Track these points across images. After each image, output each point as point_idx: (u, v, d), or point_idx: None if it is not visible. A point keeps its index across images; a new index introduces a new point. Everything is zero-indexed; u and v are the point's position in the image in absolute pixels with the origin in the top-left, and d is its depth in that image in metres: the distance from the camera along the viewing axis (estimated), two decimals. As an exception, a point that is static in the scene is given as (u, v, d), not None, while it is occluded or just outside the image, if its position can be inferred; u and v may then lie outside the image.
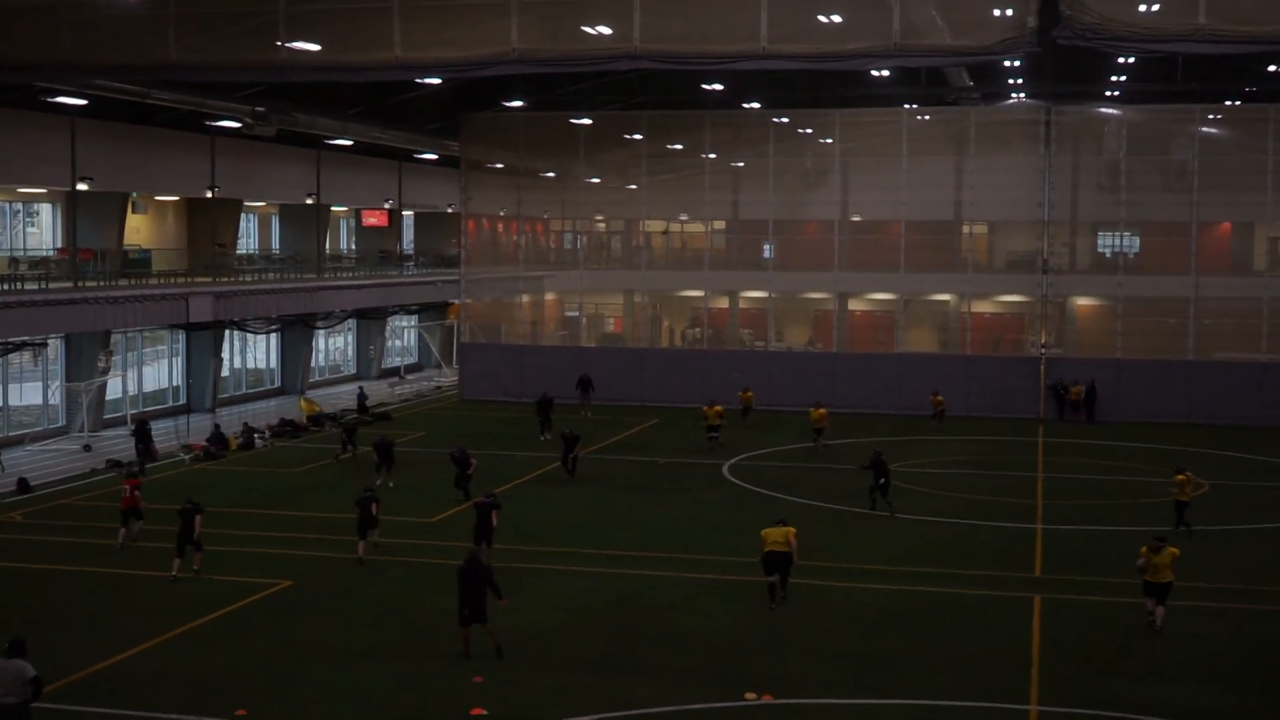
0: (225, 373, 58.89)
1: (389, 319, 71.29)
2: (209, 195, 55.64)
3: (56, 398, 49.66)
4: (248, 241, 65.03)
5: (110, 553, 30.53)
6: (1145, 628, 24.86)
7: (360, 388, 57.76)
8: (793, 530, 26.51)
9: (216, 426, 46.69)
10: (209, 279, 53.78)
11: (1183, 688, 21.75)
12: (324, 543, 31.60)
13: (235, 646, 23.51)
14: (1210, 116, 58.28)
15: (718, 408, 46.21)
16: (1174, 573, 24.79)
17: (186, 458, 43.83)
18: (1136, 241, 61.55)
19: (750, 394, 52.30)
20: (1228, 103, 59.84)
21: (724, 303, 67.13)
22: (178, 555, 28.46)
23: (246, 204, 61.26)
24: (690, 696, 21.06)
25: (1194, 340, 55.45)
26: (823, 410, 46.15)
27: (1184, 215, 56.28)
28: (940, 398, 53.07)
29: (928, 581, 28.46)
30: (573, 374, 57.16)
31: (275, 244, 66.61)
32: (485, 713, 20.15)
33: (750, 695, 21.01)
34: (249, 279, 57.33)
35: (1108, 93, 61.10)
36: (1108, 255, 62.04)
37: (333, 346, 71.57)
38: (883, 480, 35.14)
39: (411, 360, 76.74)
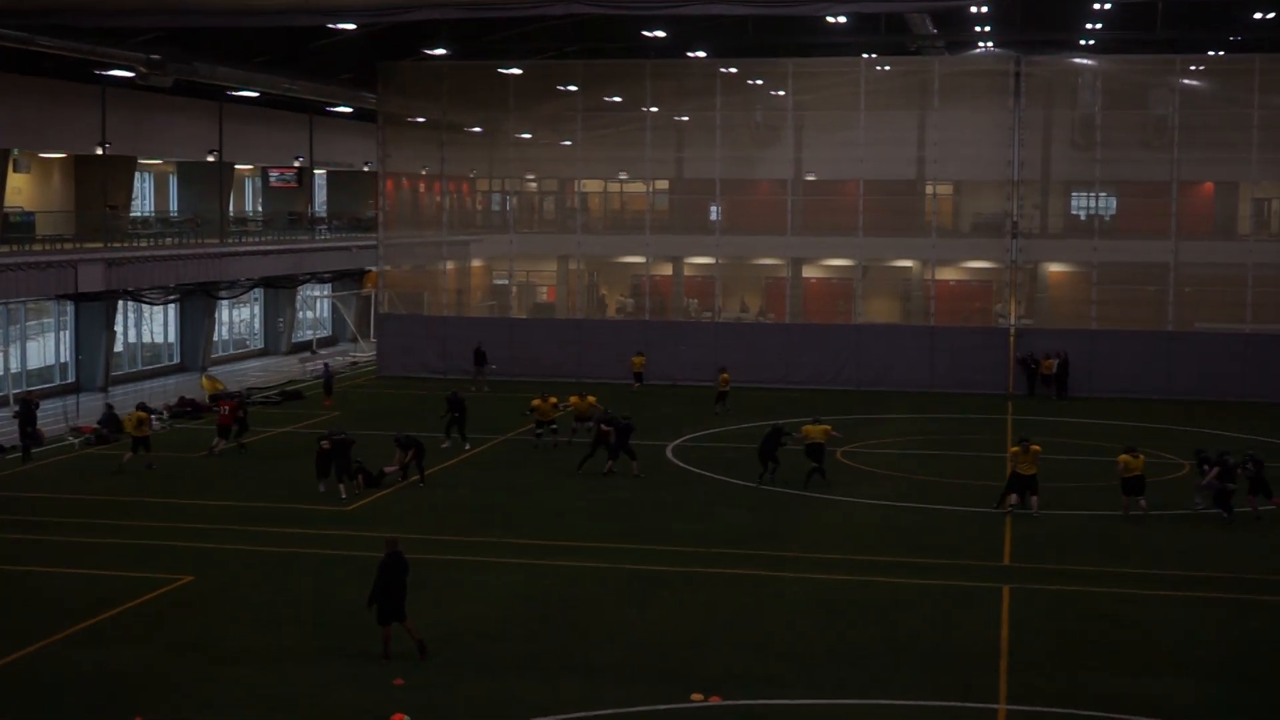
0: (119, 348, 58.34)
1: (300, 288, 70.82)
2: (99, 152, 54.93)
3: (-69, 376, 49.09)
4: (142, 203, 64.37)
5: (-8, 546, 30.29)
6: (1124, 619, 25.29)
7: (326, 365, 57.01)
8: (829, 426, 37.09)
9: (109, 407, 46.19)
10: (100, 245, 53.15)
11: (1162, 683, 22.03)
12: (229, 534, 31.44)
13: (132, 648, 23.34)
14: (1191, 68, 58.82)
15: (552, 399, 43.15)
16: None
17: (75, 441, 43.40)
18: (1113, 203, 62.08)
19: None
20: (1210, 53, 60.42)
21: (667, 270, 67.22)
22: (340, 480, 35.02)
23: (141, 162, 60.58)
24: (631, 698, 21.12)
25: (1174, 309, 56.03)
26: (591, 398, 43.86)
27: (1163, 174, 56.81)
28: (727, 375, 50.51)
29: (888, 571, 28.68)
30: (502, 348, 57.29)
31: (173, 206, 65.98)
32: (407, 718, 20.12)
33: (697, 696, 21.09)
34: (144, 244, 56.71)
35: (1082, 41, 61.54)
36: (1082, 218, 62.52)
37: (238, 319, 71.03)
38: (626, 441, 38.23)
39: (325, 334, 76.33)
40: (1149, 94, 59.39)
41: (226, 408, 42.21)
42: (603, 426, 38.48)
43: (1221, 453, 33.92)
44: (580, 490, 36.66)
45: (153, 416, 45.95)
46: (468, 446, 42.20)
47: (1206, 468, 33.75)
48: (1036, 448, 33.61)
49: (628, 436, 38.27)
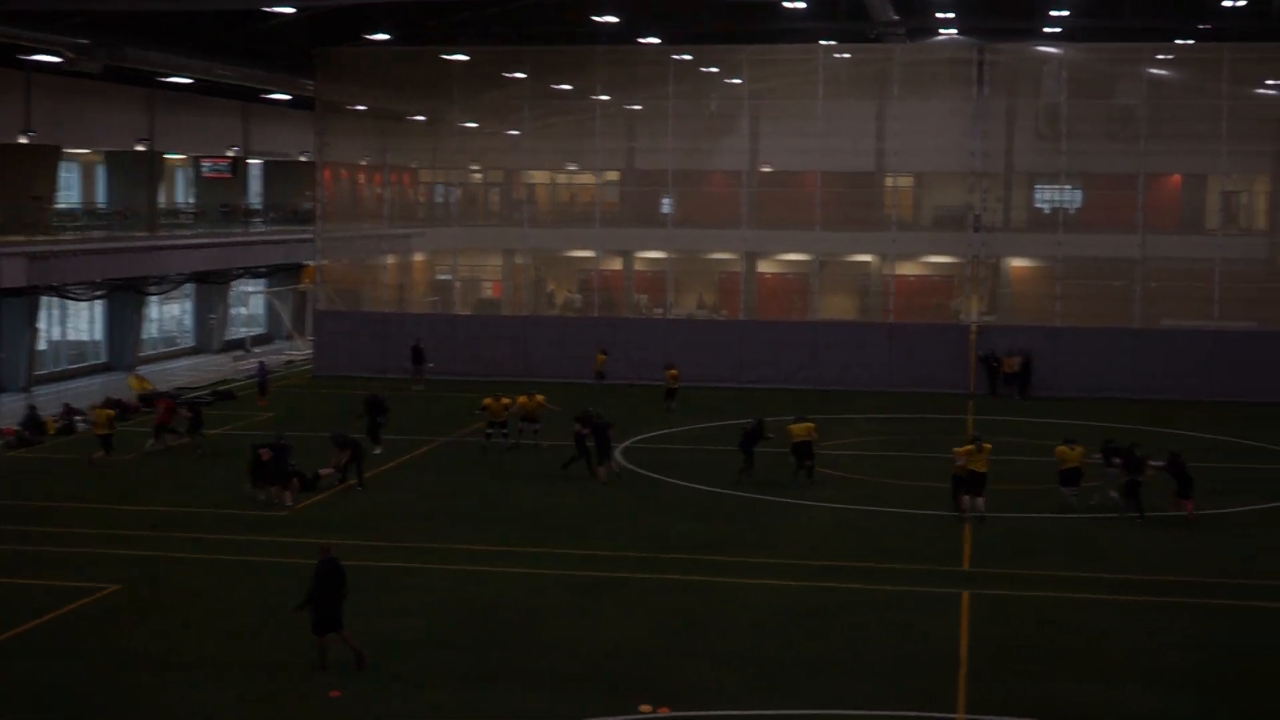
0: (42, 345, 57.89)
1: (233, 284, 70.48)
2: (23, 141, 54.55)
3: None
4: (68, 194, 63.86)
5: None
6: (1085, 625, 25.45)
7: (261, 364, 56.43)
8: (814, 424, 37.93)
9: (31, 408, 45.94)
10: (22, 238, 52.76)
11: (1127, 691, 22.21)
12: (159, 541, 31.26)
13: (54, 661, 23.17)
14: (1159, 57, 59.21)
15: (504, 399, 42.58)
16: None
17: (-3, 444, 43.16)
18: (1078, 195, 62.56)
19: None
20: (1178, 41, 60.84)
21: (617, 264, 67.20)
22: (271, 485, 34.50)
23: (67, 151, 60.12)
24: (576, 709, 21.13)
25: (1140, 306, 56.44)
26: (540, 398, 43.42)
27: (1130, 166, 57.19)
28: (675, 371, 51.09)
29: (843, 577, 28.77)
30: (445, 346, 57.17)
31: (100, 197, 65.51)
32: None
33: (645, 707, 21.12)
34: (70, 237, 56.36)
35: (1047, 29, 61.81)
36: (1046, 211, 62.98)
37: (168, 315, 70.58)
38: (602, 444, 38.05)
39: (260, 331, 75.95)
40: (1115, 83, 59.81)
41: (163, 406, 42.60)
42: (579, 427, 38.32)
43: (1131, 445, 34.71)
44: (527, 494, 36.63)
45: (77, 418, 45.84)
46: (377, 450, 41.18)
47: (1118, 460, 34.41)
48: (988, 446, 34.12)
49: (605, 435, 38.06)
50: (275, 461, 34.96)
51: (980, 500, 33.60)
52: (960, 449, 34.20)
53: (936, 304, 65.05)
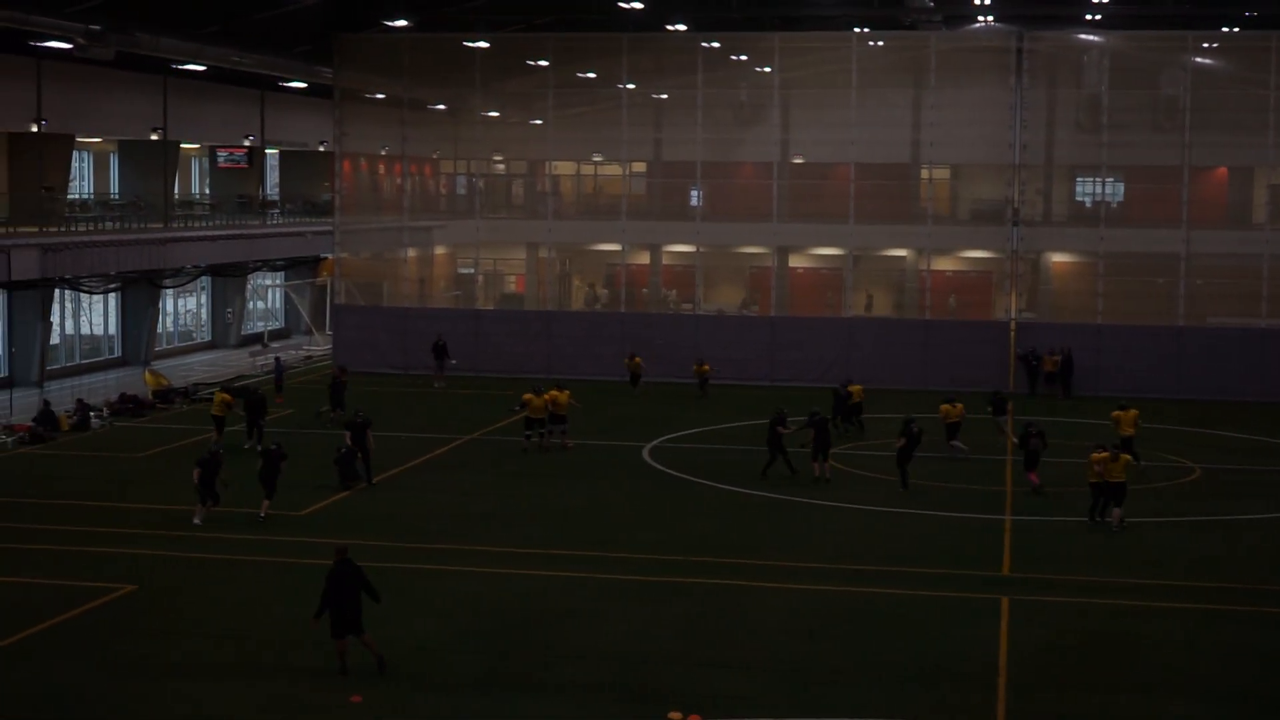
0: (55, 340, 58.11)
1: (250, 277, 70.64)
2: (35, 129, 54.75)
3: None
4: (81, 184, 64.08)
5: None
6: (1129, 633, 25.37)
7: (278, 359, 56.58)
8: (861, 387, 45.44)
9: (45, 403, 46.07)
10: (34, 229, 52.96)
11: (1171, 703, 22.14)
12: (174, 540, 31.34)
13: (67, 664, 23.27)
14: (1205, 45, 58.94)
15: (546, 395, 42.33)
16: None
17: (9, 440, 43.20)
18: (1120, 189, 62.25)
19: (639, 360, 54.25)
20: (1225, 30, 60.55)
21: (644, 258, 67.14)
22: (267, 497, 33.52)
23: (80, 140, 60.34)
24: (603, 717, 21.19)
25: (1185, 303, 56.17)
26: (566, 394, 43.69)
27: (1174, 159, 56.91)
28: (706, 365, 53.86)
29: (877, 582, 28.71)
30: (467, 342, 57.23)
31: (114, 187, 65.70)
32: None
33: (675, 715, 21.12)
34: (83, 229, 56.49)
35: (1088, 16, 61.60)
36: (1087, 205, 62.70)
37: (183, 309, 70.82)
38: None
39: (277, 325, 76.15)
40: (1159, 73, 59.55)
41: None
42: (779, 428, 38.24)
43: (908, 421, 37.48)
44: (551, 494, 36.68)
45: (92, 414, 46.02)
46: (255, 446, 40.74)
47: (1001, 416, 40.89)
48: (1126, 457, 34.02)
49: (826, 432, 38.36)
50: (206, 476, 32.98)
51: (1117, 511, 32.91)
52: (1097, 455, 33.22)
53: (964, 301, 64.42)
